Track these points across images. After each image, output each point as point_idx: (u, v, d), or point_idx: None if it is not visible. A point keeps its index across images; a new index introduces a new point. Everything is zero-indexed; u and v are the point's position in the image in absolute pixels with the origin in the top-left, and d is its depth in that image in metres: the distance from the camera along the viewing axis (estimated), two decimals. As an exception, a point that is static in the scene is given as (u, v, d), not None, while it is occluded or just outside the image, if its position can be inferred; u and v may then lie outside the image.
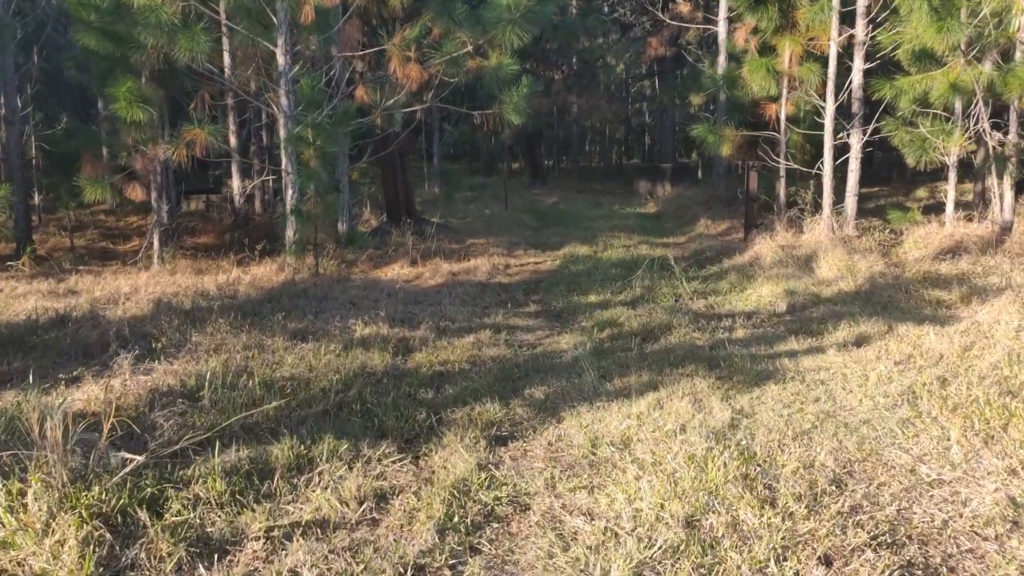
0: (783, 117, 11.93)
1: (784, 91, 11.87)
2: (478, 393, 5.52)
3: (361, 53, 11.75)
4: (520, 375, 6.14)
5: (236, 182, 14.26)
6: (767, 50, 12.05)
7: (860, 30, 11.41)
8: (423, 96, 13.09)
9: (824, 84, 11.50)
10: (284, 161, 9.98)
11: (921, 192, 17.60)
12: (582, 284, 9.90)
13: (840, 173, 11.81)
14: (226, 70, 10.92)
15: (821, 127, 11.82)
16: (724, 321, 7.87)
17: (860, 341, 6.75)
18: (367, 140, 12.30)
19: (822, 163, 11.65)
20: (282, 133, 9.99)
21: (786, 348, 6.79)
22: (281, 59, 9.48)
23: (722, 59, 17.69)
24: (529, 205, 19.50)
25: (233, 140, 14.19)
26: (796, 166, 11.93)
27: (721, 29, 17.77)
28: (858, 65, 11.73)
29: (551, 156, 31.30)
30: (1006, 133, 10.80)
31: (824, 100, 11.55)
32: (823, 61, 11.61)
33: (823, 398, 5.36)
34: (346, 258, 11.39)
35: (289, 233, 9.83)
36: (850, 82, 11.63)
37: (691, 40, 20.46)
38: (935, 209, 13.49)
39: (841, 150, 11.78)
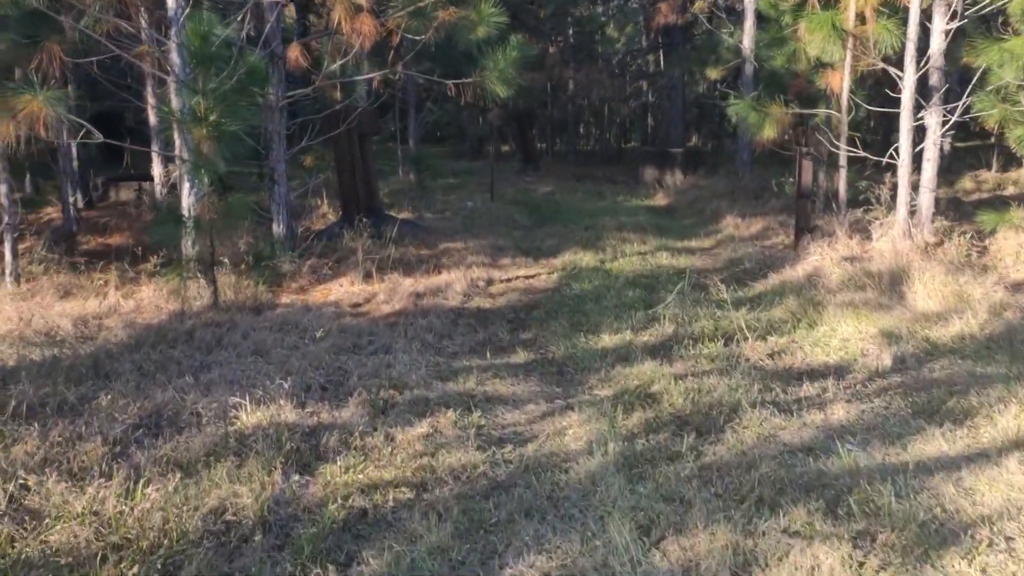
0: (846, 88, 9.25)
1: (848, 56, 9.18)
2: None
3: None
4: (497, 523, 3.52)
5: (157, 168, 11.51)
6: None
7: (947, -22, 8.75)
8: (388, 60, 10.36)
9: (901, 48, 8.83)
10: (178, 143, 7.29)
11: (988, 183, 14.97)
12: (590, 314, 7.25)
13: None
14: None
15: (894, 103, 9.16)
16: (807, 385, 5.26)
17: (1057, 444, 4.16)
18: (312, 117, 9.58)
19: (896, 150, 9.00)
20: (174, 102, 7.28)
21: (932, 453, 4.18)
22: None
23: (749, 24, 14.97)
24: (520, 195, 16.79)
25: (152, 117, 11.42)
26: (863, 153, 9.26)
27: (747, -12, 15.04)
28: (939, 26, 9.06)
29: (544, 139, 28.53)
30: None
31: (901, 69, 8.88)
32: (898, 18, 8.94)
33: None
34: (278, 272, 8.71)
35: (187, 244, 7.15)
36: (928, 54, 8.98)
37: (704, 6, 17.77)
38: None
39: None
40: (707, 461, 4.10)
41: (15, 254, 7.70)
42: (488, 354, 6.10)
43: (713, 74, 16.25)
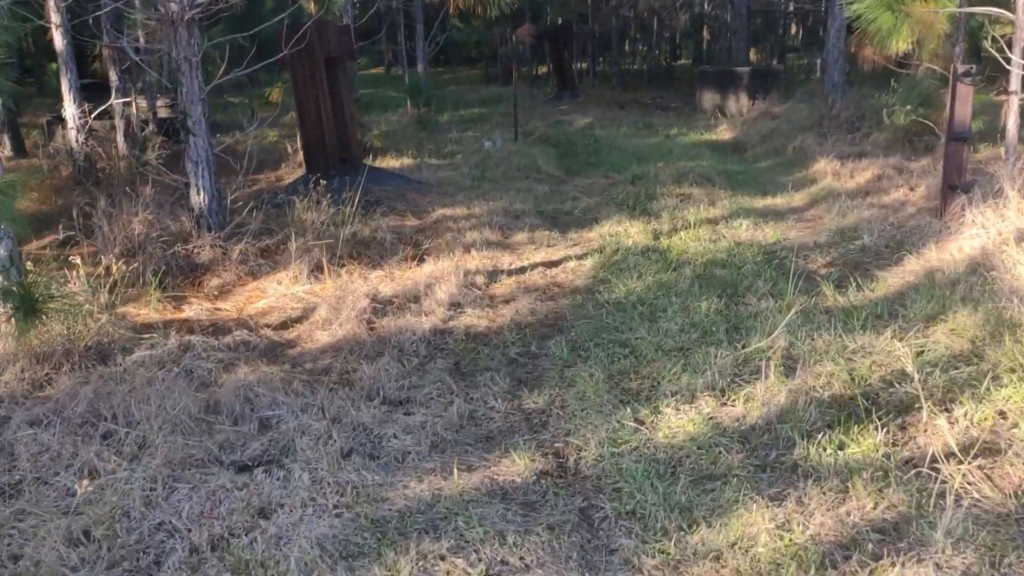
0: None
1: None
2: None
3: None
4: None
5: (70, 107, 8.82)
6: None
7: None
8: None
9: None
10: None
11: None
12: (640, 351, 4.48)
13: None
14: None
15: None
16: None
17: None
18: (240, 36, 6.75)
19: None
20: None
21: None
22: None
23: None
24: (551, 130, 13.81)
25: (59, 38, 8.65)
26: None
27: None
28: None
29: (584, 57, 25.10)
30: None
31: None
32: None
33: None
34: (192, 261, 6.08)
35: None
36: None
37: None
38: None
39: None
40: None
41: None
42: (461, 463, 3.40)
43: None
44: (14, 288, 3.94)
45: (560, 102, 18.04)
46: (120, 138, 9.36)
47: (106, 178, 8.41)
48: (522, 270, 6.19)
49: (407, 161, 10.38)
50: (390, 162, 10.32)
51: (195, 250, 6.21)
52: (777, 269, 5.92)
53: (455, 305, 5.39)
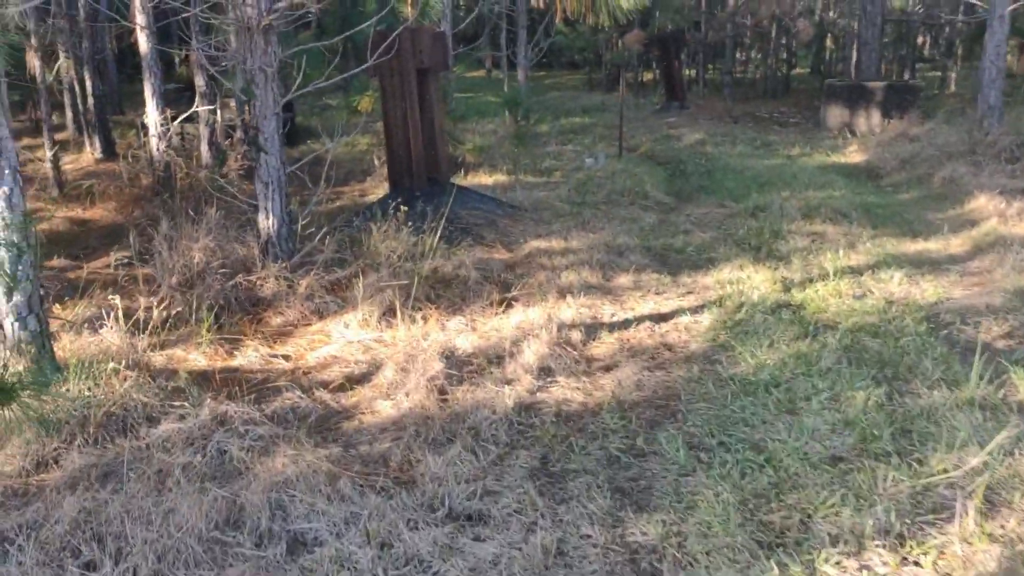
0: None
1: None
2: None
3: None
4: None
5: (152, 113, 8.37)
6: None
7: None
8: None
9: None
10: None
11: None
12: (785, 460, 3.47)
13: None
14: None
15: None
16: None
17: None
18: (322, 44, 6.04)
19: None
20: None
21: None
22: None
23: None
24: (659, 145, 12.76)
25: (144, 41, 8.21)
26: None
27: None
28: None
29: (693, 64, 23.78)
30: None
31: None
32: None
33: None
34: (258, 304, 5.41)
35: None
36: None
37: None
38: None
39: None
40: None
41: None
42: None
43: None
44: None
45: (668, 113, 16.92)
46: (204, 147, 8.87)
47: (183, 190, 7.91)
48: (626, 324, 5.25)
49: (501, 178, 9.57)
50: (483, 179, 9.53)
51: (258, 282, 5.53)
52: (945, 342, 4.78)
53: (545, 371, 4.50)
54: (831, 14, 21.66)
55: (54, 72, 9.35)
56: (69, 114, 11.55)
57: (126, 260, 6.20)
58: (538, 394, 4.25)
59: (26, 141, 11.28)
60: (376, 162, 9.55)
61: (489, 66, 26.88)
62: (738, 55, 25.99)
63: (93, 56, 10.02)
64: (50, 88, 8.62)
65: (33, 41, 8.45)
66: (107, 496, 2.99)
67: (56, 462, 3.34)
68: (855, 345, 4.70)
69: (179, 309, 5.09)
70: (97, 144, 10.63)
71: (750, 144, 13.00)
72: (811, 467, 3.40)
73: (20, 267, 3.51)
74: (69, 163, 10.45)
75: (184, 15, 7.66)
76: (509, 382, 4.32)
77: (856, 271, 6.12)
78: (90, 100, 10.18)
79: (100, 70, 10.56)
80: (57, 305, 4.27)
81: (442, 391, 4.20)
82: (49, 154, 8.35)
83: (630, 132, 12.75)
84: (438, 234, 5.98)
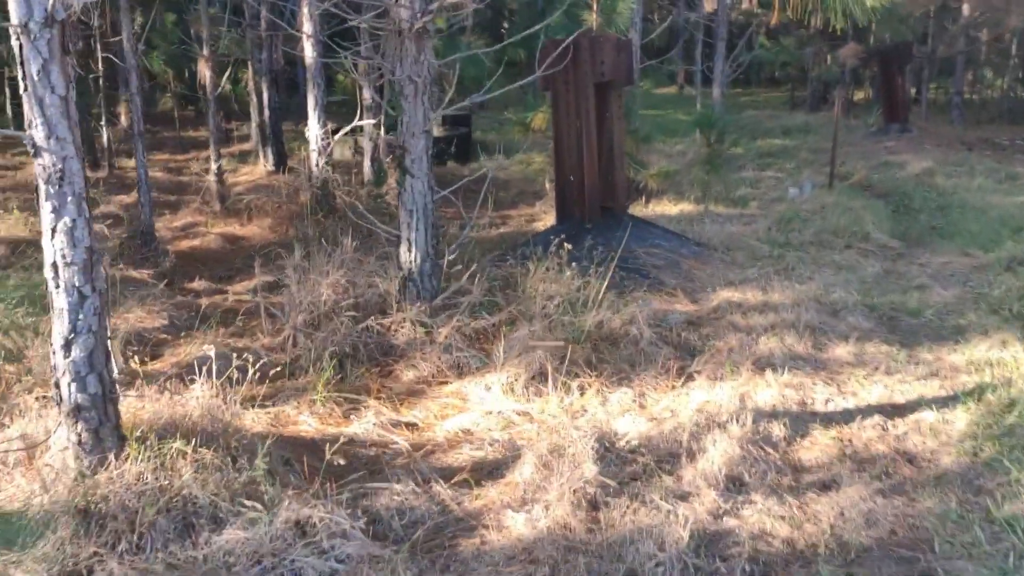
0: None
1: None
2: None
3: None
4: None
5: (313, 126, 7.93)
6: None
7: None
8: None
9: None
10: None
11: None
12: None
13: None
14: None
15: None
16: None
17: None
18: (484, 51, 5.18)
19: None
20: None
21: None
22: None
23: None
24: (877, 174, 11.00)
25: (309, 49, 7.78)
26: None
27: None
28: None
29: (915, 82, 21.16)
30: None
31: None
32: None
33: None
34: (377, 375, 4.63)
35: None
36: None
37: None
38: None
39: None
40: None
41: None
42: None
43: None
44: None
45: (887, 136, 14.88)
46: (367, 164, 8.36)
47: (341, 210, 7.37)
48: (847, 417, 3.96)
49: (687, 207, 8.38)
50: (666, 207, 8.38)
51: (392, 327, 4.74)
52: None
53: (735, 483, 3.34)
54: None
55: (227, 81, 9.25)
56: (253, 125, 11.60)
57: (265, 285, 5.65)
58: (724, 519, 3.11)
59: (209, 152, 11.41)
60: (548, 184, 8.67)
61: (681, 81, 25.46)
62: (968, 74, 22.96)
63: (271, 67, 9.91)
64: (225, 98, 8.42)
65: (205, 51, 8.33)
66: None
67: (90, 574, 2.61)
68: None
69: (298, 355, 4.39)
70: (270, 156, 10.50)
71: (991, 176, 10.92)
72: None
73: (82, 316, 2.86)
74: (244, 174, 10.38)
75: (351, 23, 7.16)
76: (684, 498, 3.21)
77: None
78: (266, 112, 10.07)
79: (276, 81, 10.46)
80: (135, 359, 3.63)
81: (593, 505, 3.16)
82: (214, 166, 8.13)
83: (841, 157, 11.10)
84: (607, 279, 4.94)
